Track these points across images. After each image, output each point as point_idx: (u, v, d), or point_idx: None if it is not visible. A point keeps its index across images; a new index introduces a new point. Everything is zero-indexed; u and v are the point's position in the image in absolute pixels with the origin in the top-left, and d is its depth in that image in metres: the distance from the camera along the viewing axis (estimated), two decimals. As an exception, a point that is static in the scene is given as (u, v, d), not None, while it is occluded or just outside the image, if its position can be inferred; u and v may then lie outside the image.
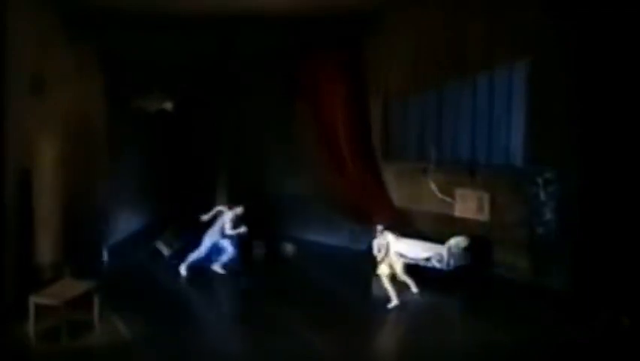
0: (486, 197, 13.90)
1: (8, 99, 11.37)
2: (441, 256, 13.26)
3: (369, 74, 15.79)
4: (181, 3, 13.21)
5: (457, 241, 13.55)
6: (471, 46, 13.82)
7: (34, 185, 12.28)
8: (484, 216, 13.98)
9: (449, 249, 13.38)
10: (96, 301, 10.98)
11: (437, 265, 13.33)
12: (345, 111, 15.66)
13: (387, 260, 12.34)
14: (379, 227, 12.56)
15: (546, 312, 11.69)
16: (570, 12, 11.95)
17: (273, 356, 10.07)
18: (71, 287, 11.00)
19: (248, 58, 16.59)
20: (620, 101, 11.50)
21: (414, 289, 12.61)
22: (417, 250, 13.73)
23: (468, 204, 14.16)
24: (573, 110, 12.22)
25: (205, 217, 14.11)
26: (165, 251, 15.17)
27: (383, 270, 12.34)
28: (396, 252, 12.49)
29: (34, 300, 10.48)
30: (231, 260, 14.14)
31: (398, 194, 15.52)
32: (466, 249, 13.65)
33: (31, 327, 10.43)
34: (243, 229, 13.90)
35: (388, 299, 12.07)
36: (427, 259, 13.50)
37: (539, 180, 12.81)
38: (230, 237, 13.98)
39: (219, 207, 14.26)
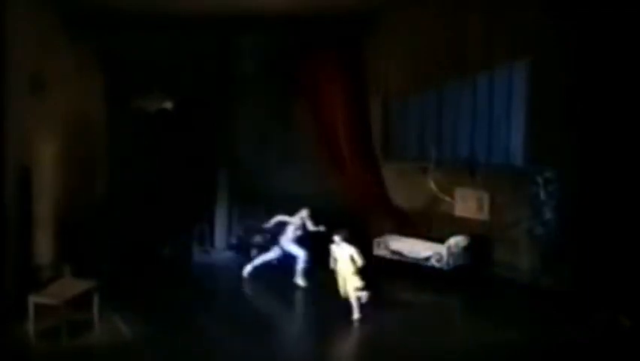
0: (486, 196, 13.90)
1: (8, 99, 11.37)
2: (440, 255, 13.26)
3: (369, 73, 15.80)
4: (181, 3, 13.20)
5: (457, 241, 13.55)
6: (471, 46, 13.82)
7: (34, 184, 12.28)
8: (484, 216, 13.97)
9: (449, 248, 13.39)
10: (96, 300, 10.97)
11: (437, 264, 13.33)
12: (345, 111, 15.66)
13: (343, 272, 11.59)
14: (337, 237, 11.77)
15: (546, 312, 11.68)
16: (570, 12, 11.95)
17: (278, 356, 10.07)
18: (71, 287, 11.00)
19: (248, 58, 16.60)
20: (620, 100, 11.50)
21: (355, 314, 11.44)
22: (416, 249, 13.73)
23: (468, 204, 14.16)
24: (573, 110, 12.22)
25: (267, 226, 13.94)
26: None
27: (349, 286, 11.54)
28: (349, 258, 11.59)
29: (33, 299, 10.47)
30: (307, 265, 13.52)
31: (398, 194, 15.51)
32: (465, 248, 13.66)
33: (30, 327, 10.43)
34: (322, 228, 13.40)
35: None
36: (427, 259, 13.50)
37: (539, 180, 12.81)
38: (300, 240, 13.61)
39: (279, 217, 13.86)
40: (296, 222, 13.60)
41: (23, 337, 10.42)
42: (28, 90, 12.03)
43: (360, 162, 15.57)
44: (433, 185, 14.60)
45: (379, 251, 14.65)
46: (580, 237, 12.13)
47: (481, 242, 13.71)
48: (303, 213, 13.68)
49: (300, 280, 13.29)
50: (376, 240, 14.74)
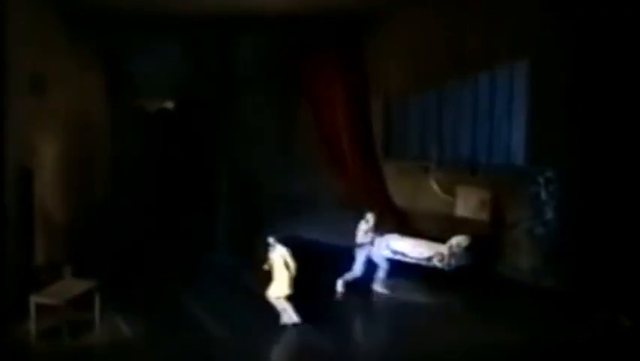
0: (487, 196, 13.89)
1: (9, 99, 11.36)
2: (442, 255, 13.24)
3: (370, 73, 15.81)
4: (182, 3, 13.21)
5: (458, 241, 13.54)
6: (471, 45, 13.81)
7: (36, 184, 12.28)
8: (485, 216, 13.96)
9: (450, 248, 13.37)
10: (97, 300, 10.96)
11: (438, 264, 13.31)
12: (346, 111, 15.68)
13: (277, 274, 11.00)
14: (271, 238, 11.17)
15: (547, 312, 11.66)
16: (571, 11, 11.94)
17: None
18: (72, 287, 10.99)
19: (248, 58, 16.61)
20: (620, 100, 11.49)
21: (286, 318, 11.00)
22: (418, 249, 13.72)
23: (469, 204, 14.16)
24: (574, 110, 12.21)
25: (362, 241, 13.02)
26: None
27: (277, 289, 10.99)
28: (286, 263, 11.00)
29: (34, 299, 10.47)
30: (388, 274, 13.09)
31: (399, 193, 15.51)
32: (467, 248, 13.64)
33: (32, 326, 10.41)
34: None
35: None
36: (428, 259, 13.49)
37: (540, 180, 12.79)
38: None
39: (362, 227, 13.00)
40: (367, 228, 12.90)
41: (24, 337, 10.41)
42: (28, 91, 12.03)
43: (361, 162, 15.58)
44: (434, 184, 14.61)
45: (380, 251, 14.64)
46: (581, 237, 12.11)
47: (482, 242, 13.70)
48: (370, 218, 12.96)
49: (379, 288, 12.83)
50: (377, 239, 14.73)
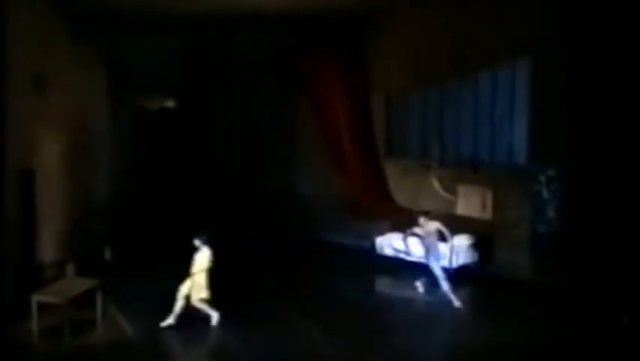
0: (489, 195, 13.88)
1: (10, 99, 11.34)
2: (444, 254, 13.23)
3: (372, 73, 15.81)
4: (183, 3, 13.20)
5: (460, 239, 13.54)
6: (473, 44, 13.81)
7: (37, 184, 12.27)
8: (487, 215, 13.96)
9: (452, 247, 13.36)
10: (99, 299, 10.95)
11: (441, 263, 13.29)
12: (347, 110, 15.67)
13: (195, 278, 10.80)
14: (197, 241, 10.93)
15: (548, 310, 11.66)
16: (571, 10, 11.94)
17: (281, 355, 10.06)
18: (74, 285, 10.99)
19: (249, 57, 16.60)
20: (622, 99, 11.48)
21: (214, 320, 10.92)
22: (420, 248, 13.69)
23: (471, 203, 14.15)
24: (576, 109, 12.21)
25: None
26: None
27: (193, 291, 10.77)
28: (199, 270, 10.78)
29: (36, 298, 10.45)
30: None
31: (401, 192, 15.51)
32: (469, 247, 13.65)
33: (34, 325, 10.40)
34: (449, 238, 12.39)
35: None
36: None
37: (542, 178, 12.79)
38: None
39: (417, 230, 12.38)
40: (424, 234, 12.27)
41: (26, 336, 10.39)
42: (29, 90, 12.02)
43: (363, 161, 15.57)
44: (435, 183, 14.60)
45: (382, 250, 14.67)
46: (582, 235, 12.11)
47: (484, 240, 13.70)
48: (431, 226, 12.21)
49: (455, 301, 12.03)
50: (379, 238, 14.75)
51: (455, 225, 14.00)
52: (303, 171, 17.03)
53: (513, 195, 13.52)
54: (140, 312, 11.37)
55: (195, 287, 10.75)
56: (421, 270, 13.24)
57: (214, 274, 13.30)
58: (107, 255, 14.47)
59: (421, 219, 12.23)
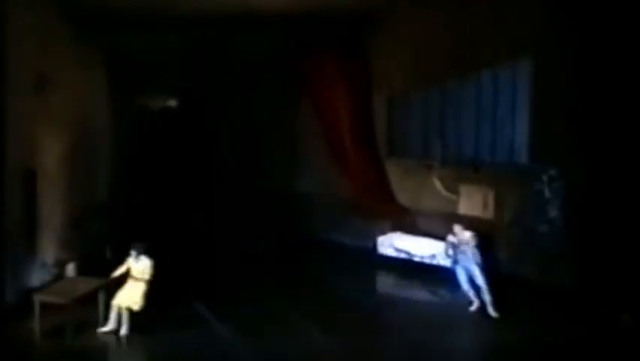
0: (491, 194, 13.88)
1: (12, 99, 11.31)
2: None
3: (372, 73, 15.80)
4: (184, 2, 13.19)
5: (468, 234, 13.50)
6: (474, 44, 13.81)
7: (39, 184, 12.25)
8: (488, 214, 13.95)
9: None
10: (101, 299, 10.91)
11: (442, 262, 13.30)
12: (348, 110, 15.66)
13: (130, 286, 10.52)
14: (133, 251, 10.53)
15: (550, 310, 11.66)
16: (573, 10, 11.94)
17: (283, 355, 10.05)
18: (77, 285, 10.96)
19: (250, 57, 16.59)
20: (624, 98, 11.48)
21: (123, 331, 10.47)
22: (422, 247, 13.71)
23: (473, 202, 14.15)
24: (577, 108, 12.20)
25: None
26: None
27: (123, 299, 10.46)
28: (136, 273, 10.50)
29: (39, 298, 10.43)
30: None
31: (402, 192, 15.51)
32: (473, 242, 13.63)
33: (36, 326, 10.37)
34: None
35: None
36: (432, 257, 13.48)
37: (544, 178, 12.79)
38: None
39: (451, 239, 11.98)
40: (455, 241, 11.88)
41: (28, 336, 10.36)
42: (31, 90, 11.99)
43: (364, 161, 15.56)
44: (437, 183, 14.60)
45: (384, 249, 14.67)
46: (584, 235, 12.11)
47: (485, 240, 13.68)
48: (467, 235, 11.84)
49: (491, 311, 11.62)
50: (381, 238, 14.75)
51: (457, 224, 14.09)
52: (304, 171, 17.02)
53: (514, 195, 13.52)
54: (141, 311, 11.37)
55: (129, 296, 10.42)
56: (421, 270, 13.27)
57: (214, 275, 13.37)
58: (108, 254, 14.44)
59: (456, 227, 11.89)
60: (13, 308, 11.14)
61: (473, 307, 11.61)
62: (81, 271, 12.24)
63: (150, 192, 17.04)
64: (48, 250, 12.70)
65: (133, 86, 15.74)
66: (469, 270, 11.65)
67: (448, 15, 14.17)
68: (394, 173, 15.67)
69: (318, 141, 16.28)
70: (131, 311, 10.43)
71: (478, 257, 11.64)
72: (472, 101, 14.27)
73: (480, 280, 11.56)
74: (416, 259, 13.84)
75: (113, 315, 10.48)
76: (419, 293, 12.74)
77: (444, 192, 14.60)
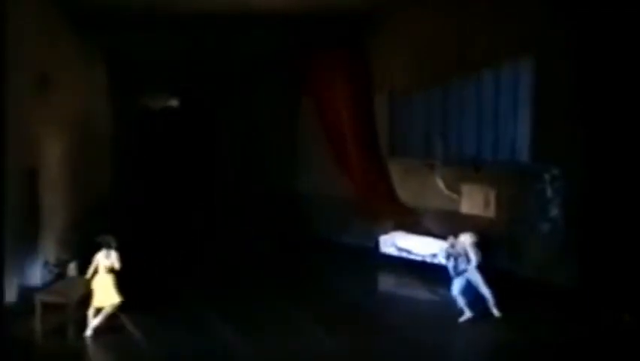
0: (492, 194, 13.86)
1: (14, 98, 11.33)
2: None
3: (374, 72, 15.79)
4: (185, 1, 13.20)
5: (464, 238, 13.49)
6: (475, 43, 13.78)
7: (40, 183, 12.28)
8: (490, 213, 13.93)
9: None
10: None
11: (443, 261, 13.27)
12: (350, 110, 15.66)
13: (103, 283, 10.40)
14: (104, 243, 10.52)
15: (551, 310, 11.63)
16: (575, 8, 11.90)
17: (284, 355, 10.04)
18: (78, 285, 10.96)
19: (251, 57, 16.61)
20: (626, 97, 11.44)
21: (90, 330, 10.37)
22: (423, 246, 13.69)
23: (474, 201, 14.13)
24: (579, 107, 12.16)
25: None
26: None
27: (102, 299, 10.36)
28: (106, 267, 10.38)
29: (40, 298, 10.45)
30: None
31: (404, 191, 15.50)
32: (472, 245, 13.60)
33: (37, 325, 10.40)
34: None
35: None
36: (434, 256, 13.46)
37: (546, 177, 12.75)
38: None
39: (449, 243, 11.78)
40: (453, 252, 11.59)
41: (30, 336, 10.39)
42: (32, 89, 12.01)
43: (366, 160, 15.56)
44: (439, 182, 14.58)
45: (386, 248, 14.66)
46: (586, 234, 12.07)
47: (487, 239, 13.65)
48: (468, 239, 11.56)
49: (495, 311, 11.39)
50: (383, 237, 14.74)
51: (459, 223, 14.08)
52: (305, 171, 17.03)
53: (516, 194, 13.49)
54: (141, 310, 11.40)
55: (106, 293, 10.34)
56: (423, 269, 13.24)
57: (215, 275, 13.35)
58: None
59: (451, 240, 11.69)
60: (14, 308, 11.17)
61: (463, 318, 11.15)
62: (82, 270, 12.23)
63: (151, 191, 17.07)
64: (49, 249, 12.73)
65: (134, 85, 15.77)
66: (471, 279, 11.30)
67: (449, 14, 14.14)
68: (396, 172, 15.66)
69: (319, 140, 16.28)
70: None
71: (478, 260, 11.36)
72: (473, 101, 14.24)
73: (484, 289, 11.25)
74: (418, 258, 13.81)
75: (99, 318, 10.39)
76: (421, 292, 12.71)
77: (446, 192, 14.58)
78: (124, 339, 10.46)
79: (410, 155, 15.48)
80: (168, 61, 15.65)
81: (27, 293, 11.36)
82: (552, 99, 12.66)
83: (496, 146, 13.98)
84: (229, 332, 10.75)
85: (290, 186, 17.28)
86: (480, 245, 13.56)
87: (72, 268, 12.39)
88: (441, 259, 12.03)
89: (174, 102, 17.49)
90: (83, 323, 10.42)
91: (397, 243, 14.37)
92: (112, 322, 10.69)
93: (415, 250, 13.73)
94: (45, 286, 11.57)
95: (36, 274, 12.16)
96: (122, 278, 10.69)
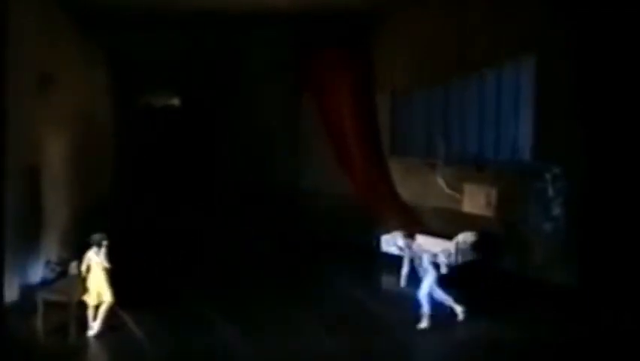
0: (494, 193, 13.86)
1: (15, 98, 11.37)
2: (448, 251, 13.22)
3: (376, 71, 15.79)
4: (185, 2, 13.22)
5: (465, 237, 13.52)
6: (477, 42, 13.78)
7: (42, 182, 12.31)
8: (492, 212, 13.93)
9: (457, 245, 13.35)
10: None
11: (445, 260, 13.27)
12: (352, 109, 15.68)
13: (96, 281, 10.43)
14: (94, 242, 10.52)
15: (551, 310, 11.63)
16: (577, 7, 11.89)
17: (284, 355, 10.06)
18: (80, 283, 10.96)
19: (254, 56, 16.61)
20: (627, 97, 11.44)
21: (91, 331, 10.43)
22: (425, 246, 13.66)
23: (476, 200, 14.13)
24: (581, 106, 12.16)
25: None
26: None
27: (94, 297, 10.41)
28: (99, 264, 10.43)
29: (42, 296, 10.48)
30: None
31: (406, 190, 15.50)
32: (473, 245, 13.62)
33: (39, 324, 10.43)
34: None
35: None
36: (435, 255, 13.44)
37: (547, 176, 12.75)
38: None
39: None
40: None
41: (32, 334, 10.42)
42: (34, 89, 12.04)
43: (368, 159, 15.58)
44: (441, 181, 14.59)
45: (388, 248, 14.65)
46: (588, 233, 12.08)
47: (488, 238, 13.67)
48: (425, 245, 11.44)
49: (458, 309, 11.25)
50: (384, 237, 14.73)
51: (461, 222, 14.09)
52: (306, 170, 17.03)
53: (518, 193, 13.48)
54: (143, 310, 11.42)
55: (99, 291, 10.38)
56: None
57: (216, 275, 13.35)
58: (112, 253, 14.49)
59: (407, 241, 11.52)
60: (16, 306, 11.21)
61: (422, 325, 10.85)
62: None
63: (151, 190, 17.09)
64: (51, 248, 12.76)
65: (134, 85, 15.78)
66: (429, 285, 10.98)
67: (450, 14, 14.14)
68: (397, 172, 15.68)
69: (320, 140, 16.30)
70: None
71: (427, 267, 11.03)
72: (475, 100, 14.24)
73: (438, 293, 11.00)
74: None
75: (99, 319, 10.41)
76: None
77: (447, 191, 14.59)
78: (125, 338, 10.49)
79: (411, 154, 15.50)
80: (169, 60, 15.67)
81: (29, 292, 11.41)
82: (553, 99, 12.66)
83: (497, 145, 13.98)
84: (229, 331, 10.77)
85: (290, 185, 17.28)
86: (480, 245, 13.65)
87: (74, 267, 12.36)
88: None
89: (175, 102, 17.50)
90: (84, 322, 10.45)
91: (399, 242, 14.35)
92: (113, 321, 10.73)
93: (416, 250, 13.69)
94: (47, 285, 11.59)
95: (38, 273, 12.21)
96: (122, 277, 10.71)
